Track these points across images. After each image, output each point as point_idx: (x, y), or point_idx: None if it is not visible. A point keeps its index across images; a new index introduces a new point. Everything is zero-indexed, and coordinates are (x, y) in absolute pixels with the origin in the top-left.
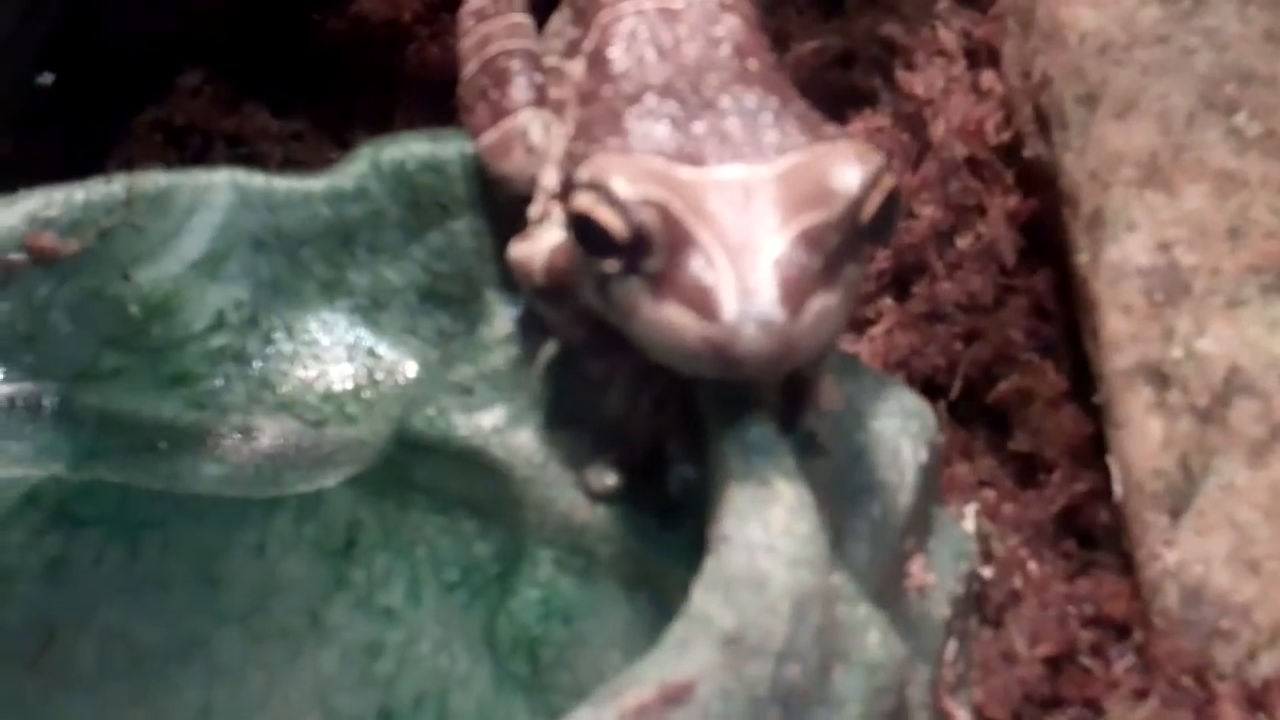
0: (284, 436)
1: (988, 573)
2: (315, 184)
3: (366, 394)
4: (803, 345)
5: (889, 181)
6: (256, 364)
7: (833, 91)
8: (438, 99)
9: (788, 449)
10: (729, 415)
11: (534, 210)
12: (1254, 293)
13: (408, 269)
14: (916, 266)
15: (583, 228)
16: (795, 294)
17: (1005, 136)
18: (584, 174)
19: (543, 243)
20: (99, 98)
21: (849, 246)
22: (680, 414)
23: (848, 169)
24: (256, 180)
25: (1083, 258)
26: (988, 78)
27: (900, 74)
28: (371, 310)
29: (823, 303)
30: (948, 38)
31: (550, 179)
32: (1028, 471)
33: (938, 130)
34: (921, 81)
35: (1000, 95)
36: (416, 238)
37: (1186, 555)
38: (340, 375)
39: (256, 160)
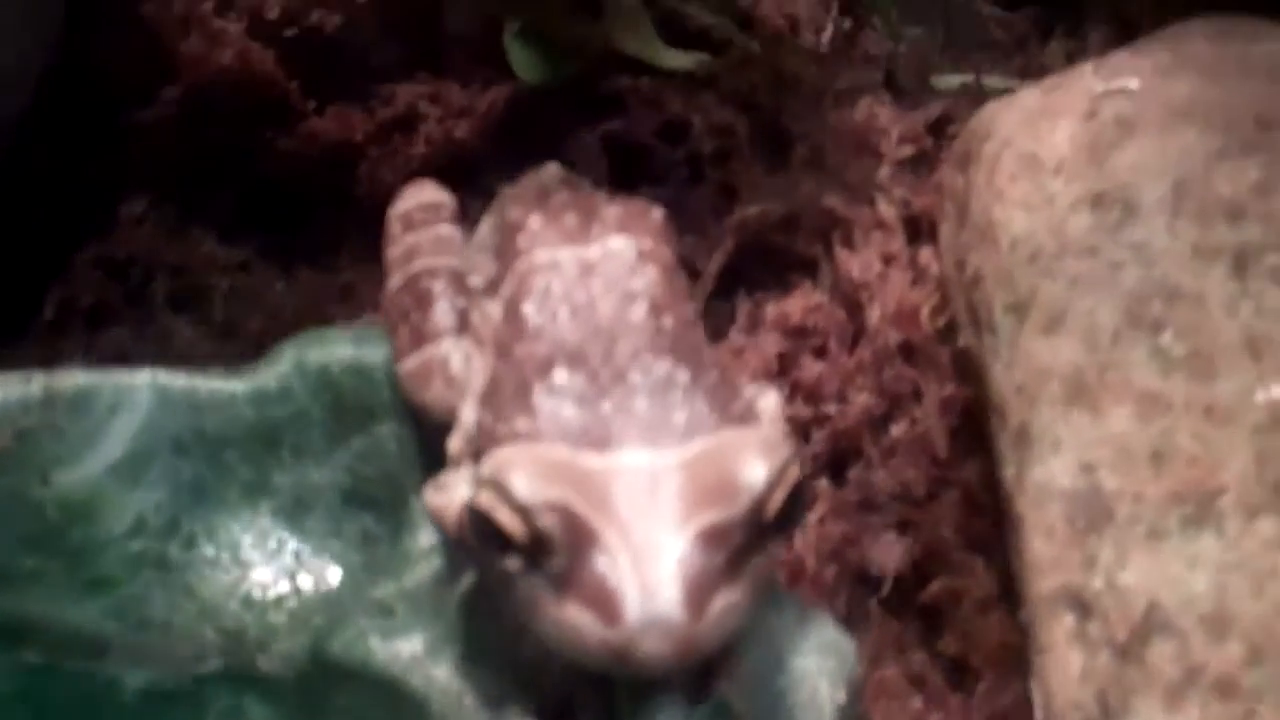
0: (205, 646)
1: None
2: (238, 385)
3: (290, 603)
4: (705, 644)
5: (794, 474)
6: (178, 570)
7: (777, 256)
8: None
9: None
10: (638, 691)
11: (453, 445)
12: (1174, 524)
13: (332, 472)
14: (852, 452)
15: (483, 527)
16: (697, 595)
17: (941, 322)
18: (485, 470)
19: (454, 498)
20: (37, 231)
21: (753, 541)
22: (589, 677)
23: (754, 463)
24: (178, 381)
25: (1009, 472)
26: (926, 254)
27: (839, 252)
28: (295, 512)
29: (726, 600)
30: (887, 211)
31: (469, 415)
32: (958, 674)
33: (873, 315)
34: (858, 263)
35: (937, 276)
36: (341, 441)
37: None
38: (262, 582)
39: (202, 293)
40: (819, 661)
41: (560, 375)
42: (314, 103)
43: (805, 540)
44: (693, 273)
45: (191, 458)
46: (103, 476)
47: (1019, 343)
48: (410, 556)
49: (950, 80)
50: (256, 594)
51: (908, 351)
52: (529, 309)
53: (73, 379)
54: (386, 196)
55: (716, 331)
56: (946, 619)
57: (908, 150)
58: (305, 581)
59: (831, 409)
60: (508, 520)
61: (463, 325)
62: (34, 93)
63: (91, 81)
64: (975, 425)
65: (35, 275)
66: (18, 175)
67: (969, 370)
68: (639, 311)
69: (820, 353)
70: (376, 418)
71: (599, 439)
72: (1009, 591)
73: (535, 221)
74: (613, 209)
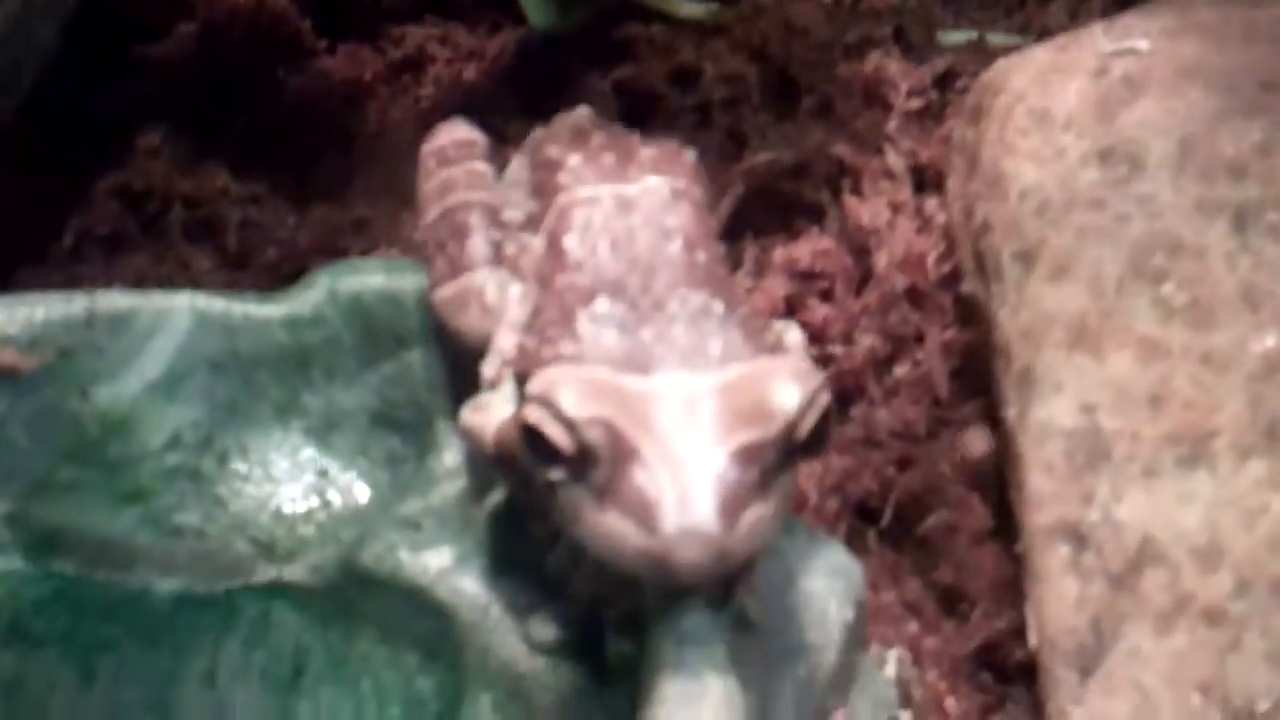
0: (237, 556)
1: (906, 716)
2: (273, 310)
3: (319, 516)
4: (737, 555)
5: (824, 400)
6: (211, 483)
7: (784, 202)
8: (397, 160)
9: (722, 639)
10: (665, 598)
11: (488, 369)
12: (1169, 464)
13: (361, 394)
14: (855, 391)
15: (532, 439)
16: (731, 508)
17: (945, 269)
18: (535, 388)
19: (493, 416)
20: (58, 161)
21: (783, 460)
22: (619, 584)
23: (787, 388)
24: (215, 305)
25: (1011, 412)
26: (932, 205)
27: (847, 199)
28: (324, 432)
29: (757, 514)
30: (895, 161)
31: (505, 341)
32: (951, 603)
33: (881, 260)
34: (867, 210)
35: (943, 226)
36: (370, 365)
37: (1092, 713)
38: (292, 496)
39: (216, 225)
40: (828, 582)
41: (602, 304)
42: (325, 41)
43: (809, 473)
44: None
45: (226, 377)
46: (141, 393)
47: (1026, 289)
48: (436, 476)
49: (956, 37)
50: (287, 508)
51: (912, 296)
52: (571, 242)
53: (113, 300)
54: (396, 135)
55: None
56: (942, 550)
57: (915, 103)
58: (334, 497)
59: (837, 350)
60: (556, 433)
61: (497, 257)
62: (61, 30)
63: (110, 17)
64: (975, 368)
65: (56, 203)
66: (41, 106)
67: (972, 315)
68: (675, 246)
69: (827, 296)
70: (406, 344)
71: (640, 363)
72: (1003, 526)
73: (575, 159)
74: (648, 150)
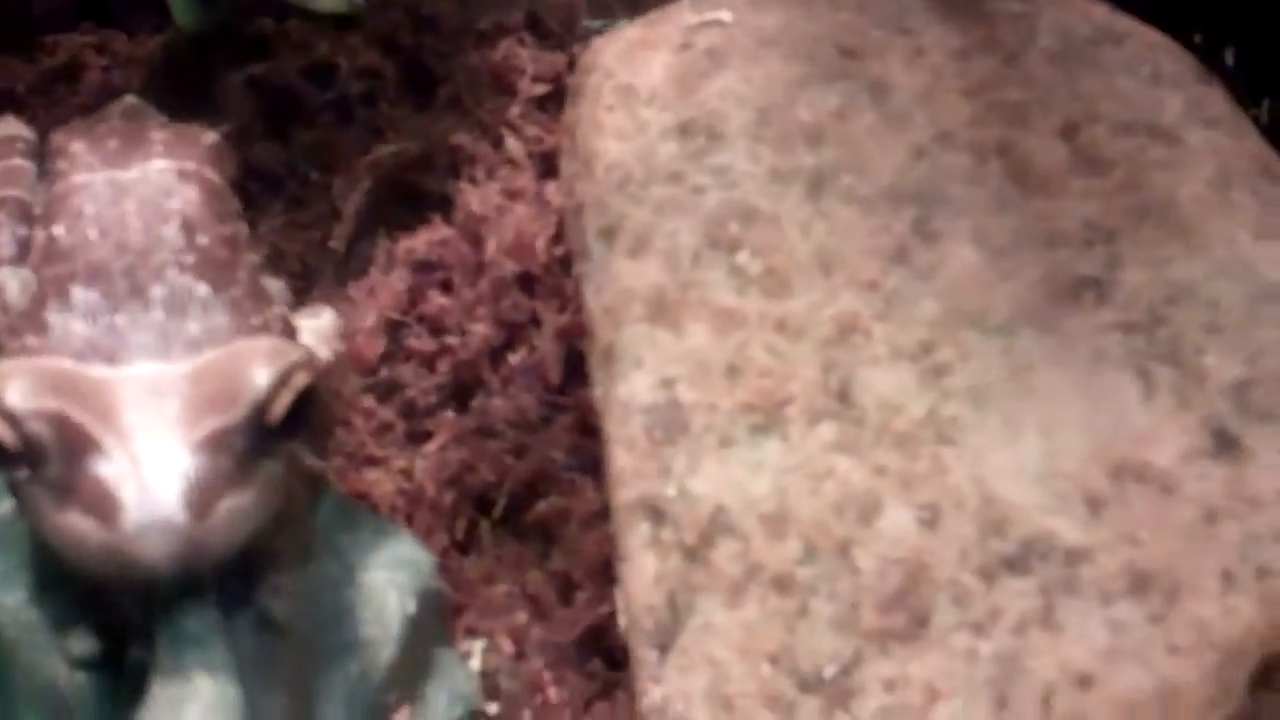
0: None
1: (494, 709)
2: None
3: None
4: (212, 546)
5: (302, 379)
6: None
7: (411, 196)
8: None
9: (221, 639)
10: (171, 601)
11: None
12: (744, 433)
13: None
14: (473, 381)
15: None
16: (200, 498)
17: (558, 251)
18: None
19: None
20: None
21: (261, 445)
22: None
23: (256, 369)
24: None
25: (599, 392)
26: (551, 190)
27: (463, 187)
28: None
29: (233, 503)
30: (516, 147)
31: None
32: (564, 590)
33: (492, 246)
34: (478, 196)
35: (557, 209)
36: None
37: (670, 691)
38: None
39: None
40: (389, 575)
41: (77, 292)
42: None
43: (426, 468)
44: (338, 214)
45: None
46: None
47: (608, 266)
48: None
49: (596, 23)
50: None
51: (526, 282)
52: (59, 230)
53: None
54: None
55: (360, 272)
56: (555, 536)
57: (542, 88)
58: None
59: (454, 340)
60: (1, 430)
61: (24, 254)
62: None
63: None
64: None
65: None
66: None
67: (581, 299)
68: (170, 230)
69: (446, 286)
70: None
71: (108, 353)
72: (608, 509)
73: (77, 146)
74: (160, 133)
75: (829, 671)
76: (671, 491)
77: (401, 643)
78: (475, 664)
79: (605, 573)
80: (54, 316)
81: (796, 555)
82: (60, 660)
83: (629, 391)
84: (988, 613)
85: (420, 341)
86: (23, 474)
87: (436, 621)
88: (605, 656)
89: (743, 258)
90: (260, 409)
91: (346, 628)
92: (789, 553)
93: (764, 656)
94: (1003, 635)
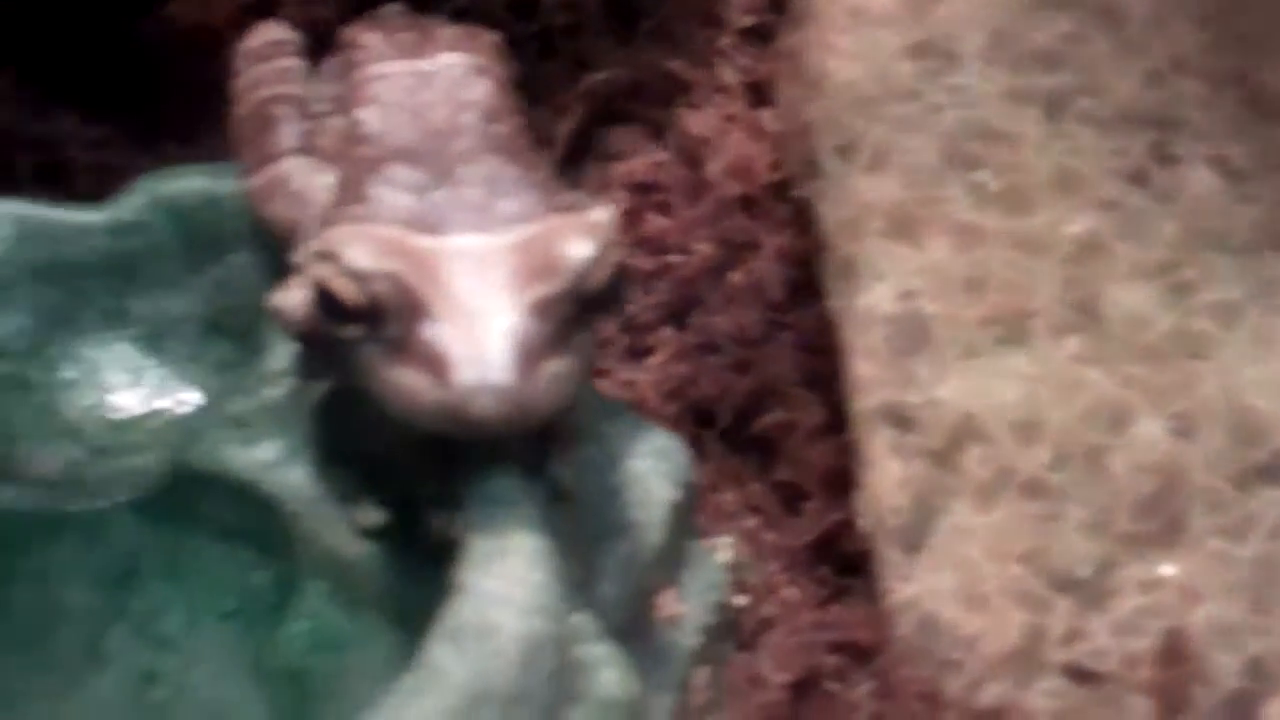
0: (68, 462)
1: (741, 601)
2: (96, 216)
3: (149, 422)
4: (535, 407)
5: (616, 254)
6: (40, 391)
7: (623, 121)
8: None
9: (531, 499)
10: (476, 466)
11: (298, 257)
12: (988, 344)
13: (188, 300)
14: (693, 299)
15: (323, 298)
16: (526, 360)
17: (776, 176)
18: (321, 245)
19: (297, 294)
20: None
21: (578, 316)
22: (440, 459)
23: (578, 242)
24: (39, 213)
25: (836, 303)
26: (765, 117)
27: (681, 112)
28: (154, 339)
29: (554, 368)
30: (729, 76)
31: (313, 228)
32: (791, 500)
33: (713, 168)
34: (699, 119)
35: (774, 135)
36: (196, 270)
37: (920, 589)
38: (122, 403)
39: (63, 168)
40: (653, 464)
41: (394, 170)
42: None
43: (649, 380)
44: (546, 141)
45: (52, 285)
46: None
47: (845, 181)
48: (265, 377)
49: None
50: (116, 414)
51: (746, 203)
52: (366, 115)
53: None
54: None
55: None
56: (780, 449)
57: (749, 20)
58: (164, 403)
59: (675, 259)
60: (344, 288)
61: (305, 145)
62: None
63: None
64: (809, 274)
65: None
66: None
67: (805, 221)
68: (471, 118)
69: (664, 208)
70: (231, 248)
71: (431, 224)
72: (838, 422)
73: (370, 38)
74: (448, 29)
75: (1083, 572)
76: (916, 399)
77: (665, 527)
78: (723, 557)
79: (834, 484)
80: (376, 189)
81: (1047, 461)
82: (345, 531)
83: (870, 302)
84: (1243, 519)
85: (639, 261)
86: (358, 333)
87: (690, 514)
88: (836, 563)
89: (982, 175)
90: (581, 279)
91: (614, 510)
92: (1040, 458)
93: (1015, 558)
94: (1259, 541)
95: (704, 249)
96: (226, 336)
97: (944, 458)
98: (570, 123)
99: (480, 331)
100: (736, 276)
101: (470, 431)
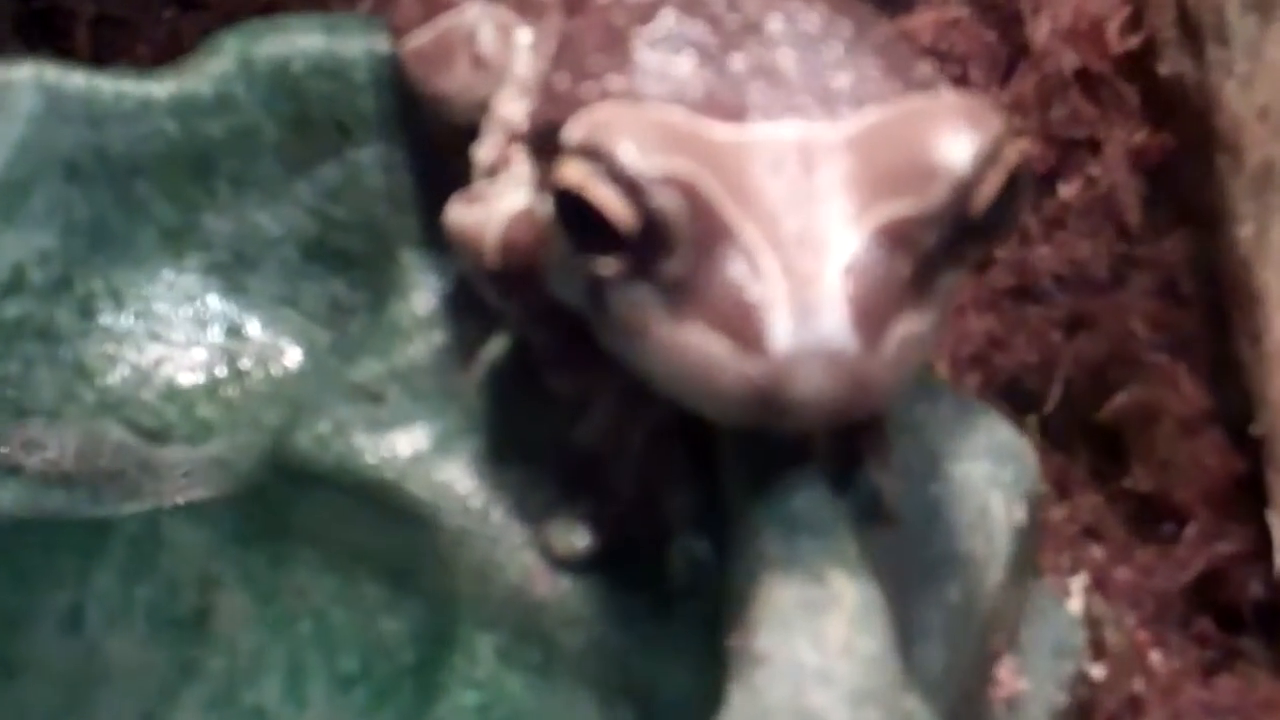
0: (108, 449)
1: (1098, 672)
2: (158, 87)
3: (227, 391)
4: (880, 388)
5: (1013, 155)
6: (70, 344)
7: None
8: None
9: (847, 524)
10: (761, 468)
11: (484, 153)
12: None
13: (289, 213)
14: None
15: (573, 211)
16: (874, 316)
17: (1134, 43)
18: (576, 132)
19: (499, 208)
20: None
21: (950, 247)
22: (687, 456)
23: (955, 136)
24: (74, 80)
25: (1244, 230)
26: None
27: None
28: (236, 271)
29: (909, 328)
30: None
31: (512, 110)
32: (1149, 520)
33: (1039, 30)
34: None
35: None
36: (302, 171)
37: None
38: (190, 364)
39: (61, 20)
40: (990, 469)
41: (667, 19)
42: None
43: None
44: None
45: (89, 188)
46: None
47: (1263, 51)
48: (401, 329)
49: None
50: (183, 379)
51: (1086, 82)
52: None
53: None
54: None
55: None
56: (1136, 444)
57: None
58: (250, 363)
59: None
60: (609, 200)
61: None
62: None
63: None
64: (1178, 186)
65: None
66: None
67: (1175, 111)
68: None
69: (960, 84)
70: (355, 138)
71: (730, 104)
72: (1227, 405)
73: None
74: None
75: None
76: None
77: (1008, 564)
78: (1075, 607)
79: (1224, 498)
80: (644, 52)
81: None
82: (535, 559)
83: None
84: None
85: None
86: (617, 269)
87: (1037, 543)
88: (1221, 617)
89: None
90: (962, 193)
91: (940, 537)
92: None
93: None
94: None
95: (1020, 147)
96: (342, 268)
97: None
98: None
99: (809, 272)
100: (1070, 189)
101: (785, 422)
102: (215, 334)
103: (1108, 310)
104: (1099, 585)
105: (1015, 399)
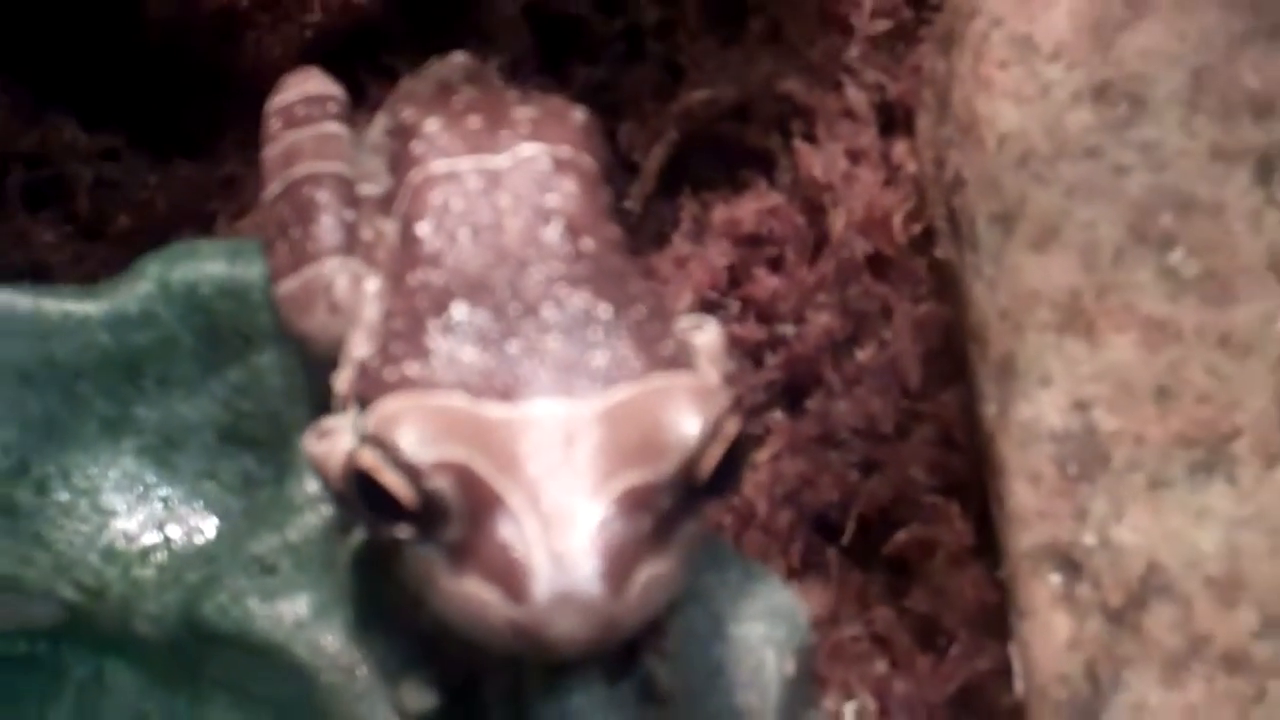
0: (61, 606)
1: None
2: (93, 307)
3: (158, 555)
4: (627, 624)
5: (733, 428)
6: (28, 518)
7: (726, 149)
8: None
9: (615, 715)
10: (548, 669)
11: (340, 383)
12: (1180, 472)
13: (206, 405)
14: (811, 380)
15: (367, 490)
16: (618, 567)
17: (916, 230)
18: (370, 423)
19: (339, 446)
20: None
21: (684, 505)
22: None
23: (685, 415)
24: (22, 302)
25: (990, 409)
26: (900, 150)
27: (799, 145)
28: (163, 451)
29: (651, 572)
30: (857, 98)
31: (362, 350)
32: (928, 635)
33: (838, 222)
34: (821, 158)
35: (913, 176)
36: (214, 371)
37: None
38: (126, 531)
39: (63, 187)
40: (765, 629)
41: (459, 310)
42: None
43: (756, 481)
44: (631, 167)
45: (41, 390)
46: None
47: (1005, 259)
48: (295, 504)
49: None
50: (120, 545)
51: (877, 264)
52: (424, 230)
53: None
54: (274, 73)
55: (659, 238)
56: (916, 572)
57: (883, 25)
58: (176, 531)
59: (788, 330)
60: (394, 483)
61: (351, 242)
62: None
63: None
64: (955, 350)
65: None
66: None
67: (947, 286)
68: (553, 233)
69: (776, 265)
70: (256, 345)
71: (504, 387)
72: (988, 543)
73: (433, 125)
74: (525, 109)
75: None
76: (1090, 539)
77: (780, 710)
78: None
79: (982, 622)
80: (436, 341)
81: (1253, 628)
82: (389, 713)
83: (1033, 413)
84: None
85: (745, 328)
86: (407, 533)
87: (809, 684)
88: (982, 719)
89: (1176, 256)
90: (691, 463)
91: (719, 693)
92: (1243, 624)
93: None
94: None
95: (824, 318)
96: (251, 450)
97: (1123, 616)
98: (661, 149)
99: (562, 534)
100: (864, 354)
101: (547, 653)
102: (147, 506)
103: (894, 457)
104: (882, 695)
105: (822, 530)
